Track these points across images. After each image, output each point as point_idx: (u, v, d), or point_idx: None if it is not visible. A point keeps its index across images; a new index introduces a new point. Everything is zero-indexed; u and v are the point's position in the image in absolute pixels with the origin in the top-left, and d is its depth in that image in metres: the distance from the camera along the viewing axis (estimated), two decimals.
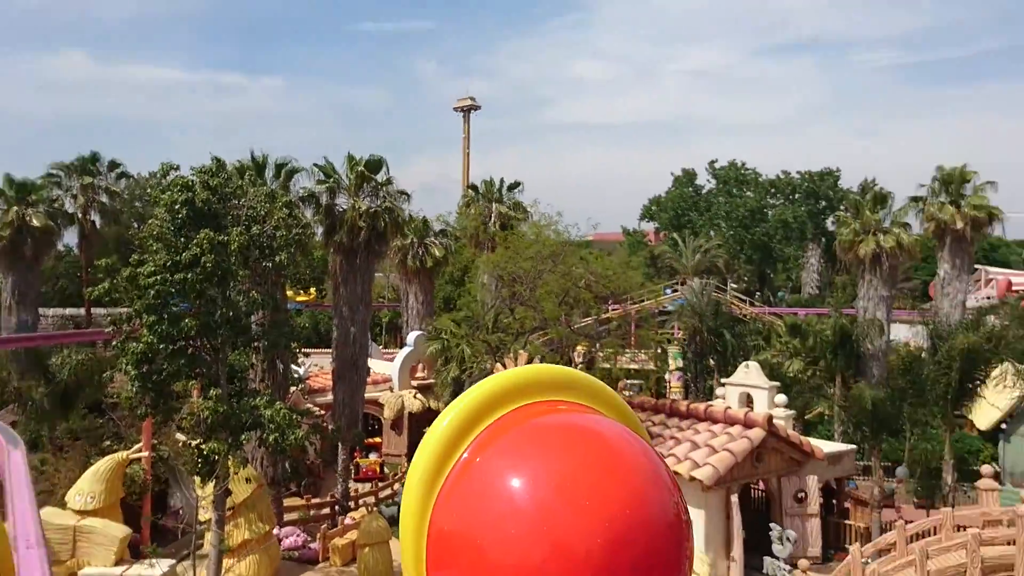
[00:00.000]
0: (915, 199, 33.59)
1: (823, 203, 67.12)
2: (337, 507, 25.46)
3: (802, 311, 57.19)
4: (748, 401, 26.93)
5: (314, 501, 25.74)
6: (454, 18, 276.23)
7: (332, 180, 25.36)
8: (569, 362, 35.49)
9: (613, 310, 35.47)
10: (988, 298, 54.63)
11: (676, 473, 21.00)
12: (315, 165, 25.80)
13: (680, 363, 42.39)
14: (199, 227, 16.06)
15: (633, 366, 40.27)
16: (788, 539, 19.09)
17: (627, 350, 33.57)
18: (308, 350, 32.00)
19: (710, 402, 26.85)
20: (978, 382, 21.15)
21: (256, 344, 16.98)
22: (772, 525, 20.50)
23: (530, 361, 21.10)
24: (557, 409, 1.22)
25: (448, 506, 1.11)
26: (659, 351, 40.01)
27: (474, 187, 43.99)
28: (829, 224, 69.61)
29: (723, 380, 28.52)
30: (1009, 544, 15.88)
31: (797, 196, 66.88)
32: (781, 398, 26.30)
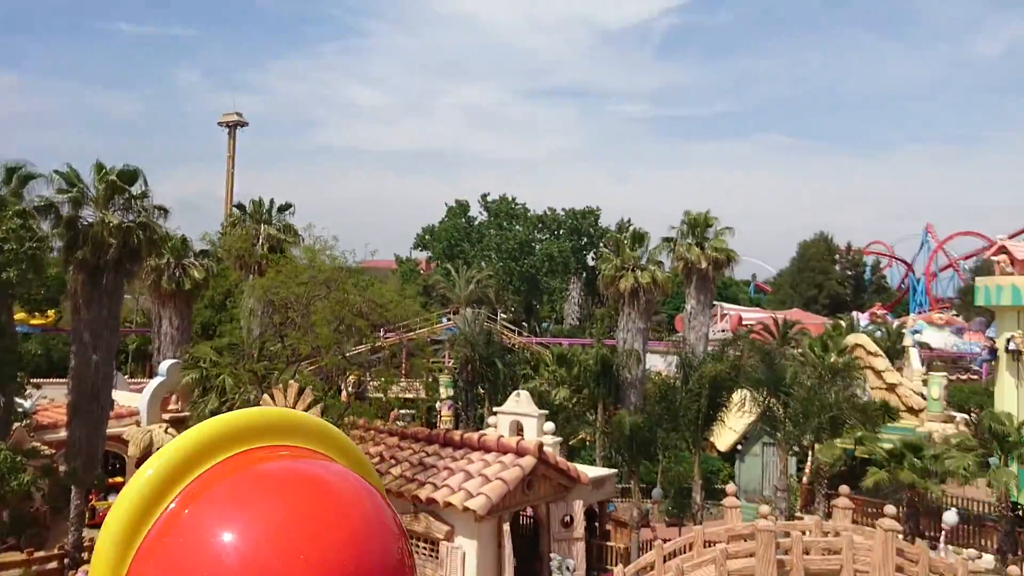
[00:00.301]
0: (667, 240, 36.60)
1: (585, 239, 71.45)
2: (67, 560, 22.35)
3: (566, 341, 60.10)
4: (519, 429, 27.54)
5: (38, 555, 22.39)
6: (221, 29, 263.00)
7: (76, 190, 22.58)
8: (339, 391, 34.32)
9: (386, 339, 34.93)
10: (723, 331, 61.00)
11: (449, 504, 20.89)
12: (56, 172, 22.87)
13: (451, 392, 42.71)
14: None
15: (408, 395, 39.93)
16: (568, 569, 19.58)
17: (401, 379, 33.19)
18: (39, 380, 28.18)
19: (483, 431, 27.10)
20: (722, 407, 23.21)
21: None
22: (552, 555, 20.95)
23: (301, 392, 20.00)
24: (279, 455, 1.16)
25: (147, 563, 1.03)
26: (430, 380, 39.98)
27: (241, 206, 41.61)
28: (590, 259, 74.27)
29: (495, 409, 28.96)
30: (750, 556, 17.37)
31: (562, 232, 70.65)
32: (549, 425, 27.16)
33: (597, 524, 25.71)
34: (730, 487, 21.21)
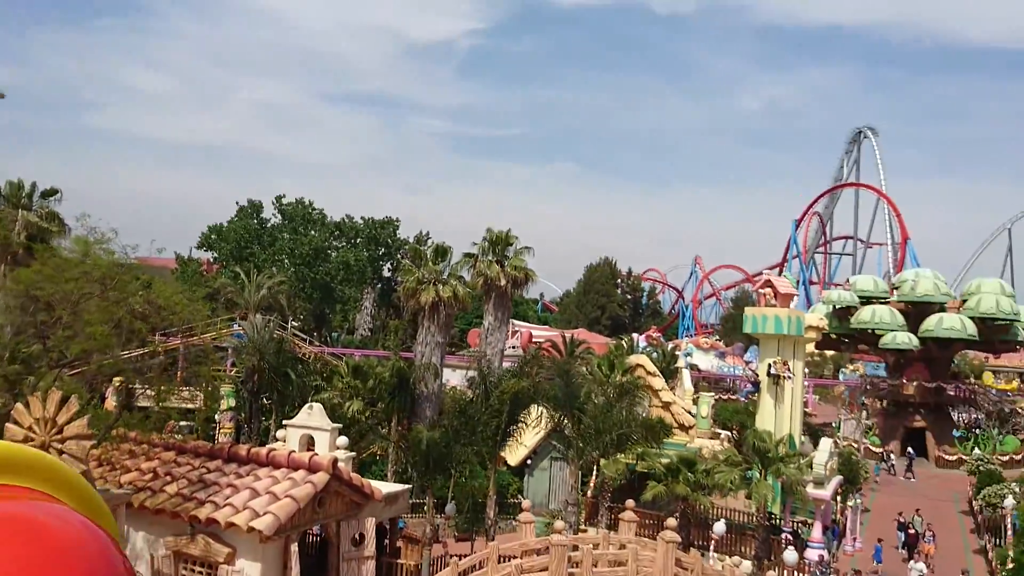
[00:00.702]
0: (468, 255, 36.91)
1: (382, 249, 70.61)
2: None
3: (359, 352, 58.88)
4: (310, 443, 26.35)
5: None
6: None
7: None
8: (102, 399, 31.09)
9: (166, 344, 32.15)
10: (513, 347, 62.76)
11: (232, 524, 19.44)
12: None
13: (232, 403, 40.17)
14: None
15: (189, 405, 36.98)
16: None
17: (181, 389, 30.62)
18: None
19: (271, 445, 25.62)
20: (521, 423, 23.63)
21: None
22: None
23: (64, 400, 17.72)
24: None
25: None
26: (209, 389, 37.33)
27: None
28: (386, 270, 73.50)
29: (284, 422, 27.51)
30: (544, 571, 17.68)
31: (359, 240, 69.33)
32: (343, 440, 26.20)
33: (387, 541, 25.12)
34: (526, 503, 21.55)
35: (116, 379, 27.26)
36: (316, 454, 22.83)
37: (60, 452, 17.25)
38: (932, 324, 45.09)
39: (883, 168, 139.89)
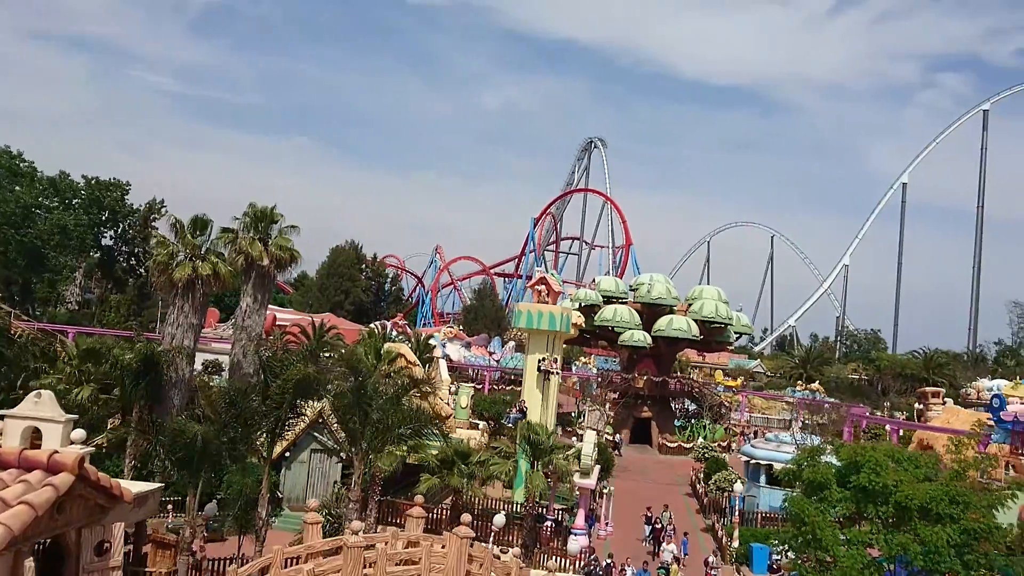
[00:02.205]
0: (226, 230, 33.86)
1: (106, 214, 62.90)
2: None
3: (72, 329, 51.96)
4: (34, 437, 22.53)
5: None
6: None
7: None
8: None
9: None
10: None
11: None
12: None
13: None
14: None
15: None
16: None
17: None
18: None
19: None
20: (302, 415, 22.05)
21: None
22: None
23: None
24: None
25: None
26: None
27: None
28: (108, 238, 65.63)
29: (2, 412, 23.22)
30: (337, 573, 16.62)
31: (77, 202, 61.06)
32: (79, 433, 22.59)
33: (131, 547, 22.24)
34: (312, 502, 20.14)
35: None
36: (56, 452, 19.48)
37: None
38: (663, 324, 49.79)
39: (609, 177, 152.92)
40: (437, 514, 28.33)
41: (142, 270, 65.25)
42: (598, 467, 28.22)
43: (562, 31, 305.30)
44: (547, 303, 30.59)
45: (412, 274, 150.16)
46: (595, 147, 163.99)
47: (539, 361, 30.60)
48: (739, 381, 78.91)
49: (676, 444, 49.79)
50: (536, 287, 30.97)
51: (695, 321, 50.00)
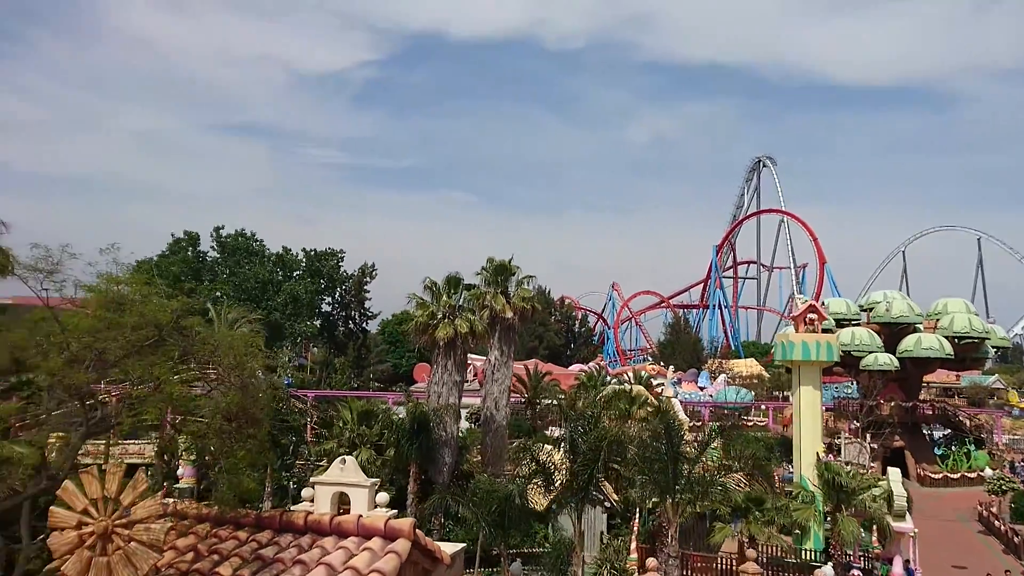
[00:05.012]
0: (468, 286, 34.50)
1: (323, 282, 66.85)
2: None
3: (310, 392, 54.92)
4: (342, 502, 23.35)
5: None
6: None
7: None
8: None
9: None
10: (468, 381, 60.26)
11: None
12: None
13: (193, 456, 36.04)
14: None
15: (136, 460, 32.71)
16: None
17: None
18: None
19: (303, 507, 22.43)
20: (615, 469, 21.57)
21: None
22: None
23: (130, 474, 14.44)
24: None
25: None
26: (168, 441, 33.27)
27: None
28: (325, 304, 69.63)
29: (312, 480, 24.32)
30: None
31: (298, 273, 65.35)
32: (383, 496, 23.26)
33: None
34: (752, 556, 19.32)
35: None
36: (390, 518, 19.99)
37: (128, 540, 14.03)
38: (911, 344, 45.84)
39: (783, 195, 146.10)
40: (721, 564, 26.84)
41: (358, 332, 68.52)
42: (906, 509, 25.69)
43: (703, 56, 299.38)
44: (814, 332, 28.63)
45: (595, 313, 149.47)
46: (764, 166, 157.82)
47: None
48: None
49: (941, 475, 45.27)
50: (807, 315, 29.08)
51: (948, 338, 45.64)
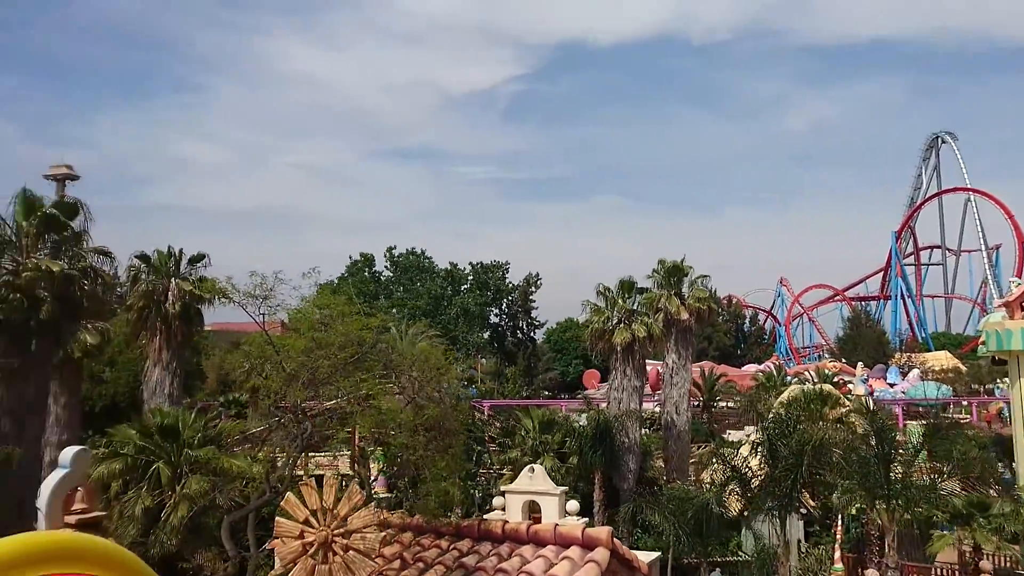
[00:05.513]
0: (640, 290, 34.00)
1: (490, 294, 68.32)
2: None
3: (486, 403, 56.03)
4: (532, 510, 23.51)
5: None
6: (43, 79, 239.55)
7: None
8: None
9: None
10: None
11: None
12: None
13: (382, 465, 37.58)
14: None
15: (319, 472, 34.55)
16: None
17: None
18: None
19: (496, 516, 22.79)
20: (819, 476, 20.49)
21: None
22: None
23: (342, 487, 15.18)
24: None
25: None
26: (358, 452, 34.85)
27: (145, 257, 35.15)
28: (493, 315, 71.11)
29: (503, 488, 24.72)
30: None
31: (465, 288, 67.23)
32: (573, 505, 23.21)
33: None
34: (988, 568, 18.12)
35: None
36: (586, 527, 19.94)
37: (346, 549, 14.67)
38: None
39: (967, 173, 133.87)
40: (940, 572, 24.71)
41: (527, 341, 69.43)
42: None
43: (864, 32, 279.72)
44: None
45: (764, 311, 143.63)
46: (943, 143, 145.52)
47: None
48: None
49: None
50: None
51: None
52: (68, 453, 24.68)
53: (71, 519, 25.23)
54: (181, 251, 35.77)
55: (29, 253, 17.10)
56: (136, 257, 34.95)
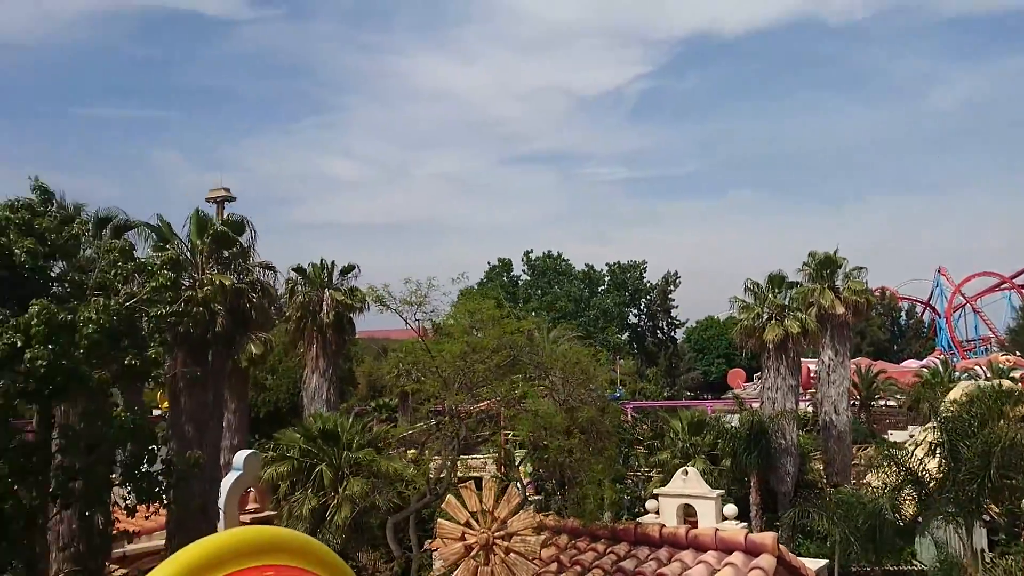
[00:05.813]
0: (791, 284, 32.50)
1: (627, 294, 67.46)
2: None
3: (627, 404, 55.30)
4: (687, 514, 22.84)
5: None
6: (193, 109, 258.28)
7: (176, 245, 18.12)
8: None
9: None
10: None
11: None
12: (145, 224, 18.39)
13: (529, 468, 37.68)
14: (19, 297, 9.01)
15: (474, 474, 34.96)
16: None
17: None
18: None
19: (650, 520, 22.32)
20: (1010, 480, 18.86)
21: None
22: None
23: (503, 490, 15.28)
24: None
25: None
26: (502, 455, 35.02)
27: (300, 270, 37.09)
28: (632, 316, 70.20)
29: (656, 491, 24.24)
30: None
31: (602, 289, 66.69)
32: (731, 508, 22.40)
33: None
34: None
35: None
36: (748, 531, 19.20)
37: (507, 551, 14.72)
38: None
39: None
40: None
41: (668, 340, 68.11)
42: None
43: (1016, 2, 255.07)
44: None
45: (922, 302, 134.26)
46: None
47: None
48: None
49: None
50: None
51: None
52: (240, 457, 26.12)
53: (245, 518, 26.86)
54: (333, 263, 37.42)
55: (204, 270, 18.30)
56: (293, 270, 36.90)
